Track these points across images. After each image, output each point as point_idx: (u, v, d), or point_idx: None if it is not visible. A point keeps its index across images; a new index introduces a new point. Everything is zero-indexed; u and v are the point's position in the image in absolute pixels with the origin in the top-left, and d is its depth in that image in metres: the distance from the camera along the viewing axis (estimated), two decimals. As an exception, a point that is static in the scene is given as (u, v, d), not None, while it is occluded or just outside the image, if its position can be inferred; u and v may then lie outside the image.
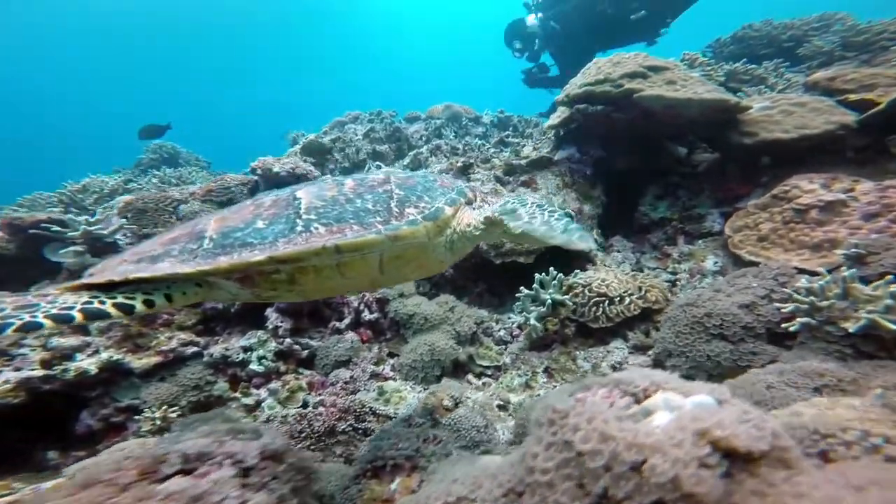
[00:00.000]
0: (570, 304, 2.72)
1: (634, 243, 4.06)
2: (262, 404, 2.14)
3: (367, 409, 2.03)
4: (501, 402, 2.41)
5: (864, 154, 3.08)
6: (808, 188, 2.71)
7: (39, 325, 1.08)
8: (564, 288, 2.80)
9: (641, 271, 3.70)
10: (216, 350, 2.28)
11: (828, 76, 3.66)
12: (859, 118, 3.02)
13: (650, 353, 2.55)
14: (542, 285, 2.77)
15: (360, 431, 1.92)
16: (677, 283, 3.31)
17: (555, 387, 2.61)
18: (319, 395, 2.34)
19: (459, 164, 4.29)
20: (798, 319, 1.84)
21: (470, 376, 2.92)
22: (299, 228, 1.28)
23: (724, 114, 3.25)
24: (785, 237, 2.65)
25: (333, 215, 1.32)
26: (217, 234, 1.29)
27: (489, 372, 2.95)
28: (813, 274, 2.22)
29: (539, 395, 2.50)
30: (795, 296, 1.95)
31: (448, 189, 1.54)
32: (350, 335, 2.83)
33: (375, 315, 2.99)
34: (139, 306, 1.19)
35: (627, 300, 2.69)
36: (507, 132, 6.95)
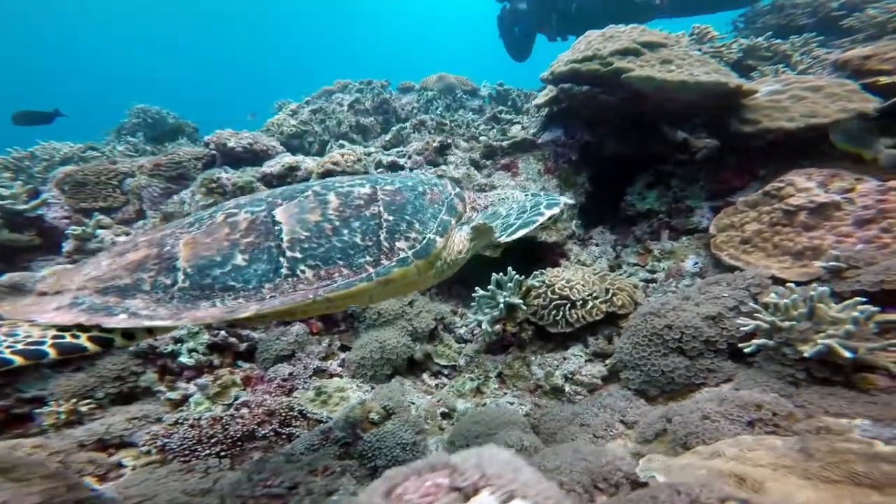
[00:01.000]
0: (524, 308, 2.60)
1: (618, 235, 3.87)
2: (190, 400, 2.11)
3: (297, 413, 1.99)
4: (446, 410, 2.36)
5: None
6: (804, 186, 2.48)
7: (9, 363, 0.99)
8: (524, 289, 2.68)
9: (620, 267, 3.56)
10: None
11: (863, 54, 3.25)
12: (880, 106, 2.73)
13: (608, 361, 2.46)
14: (499, 286, 2.65)
15: (284, 437, 1.87)
16: (654, 282, 3.17)
17: (505, 394, 2.55)
18: (254, 391, 2.31)
19: (436, 145, 4.05)
20: (755, 341, 1.71)
21: (426, 375, 2.86)
22: (284, 271, 1.21)
23: (724, 98, 2.96)
24: (769, 241, 2.47)
25: (320, 254, 1.25)
26: (191, 267, 1.19)
27: (446, 371, 2.90)
28: (786, 284, 2.08)
29: (486, 403, 2.45)
30: (757, 313, 1.81)
31: (438, 204, 1.48)
32: (297, 327, 2.76)
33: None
34: (118, 339, 1.13)
35: (591, 304, 2.56)
36: (503, 107, 6.61)
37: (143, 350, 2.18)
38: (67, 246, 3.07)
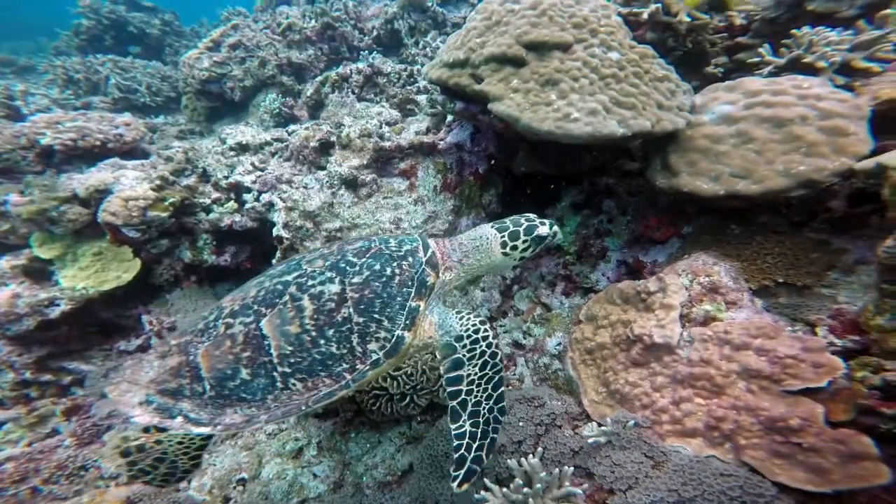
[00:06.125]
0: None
1: (521, 270, 3.63)
2: (1, 427, 2.59)
3: (72, 469, 2.41)
4: (245, 477, 2.73)
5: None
6: (666, 303, 2.14)
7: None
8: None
9: (504, 316, 3.41)
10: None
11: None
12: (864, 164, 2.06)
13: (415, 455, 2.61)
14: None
15: (42, 495, 2.28)
16: (523, 349, 3.07)
17: (321, 462, 2.84)
18: (81, 422, 2.77)
19: (315, 144, 3.68)
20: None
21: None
22: (279, 384, 1.60)
23: (627, 142, 2.39)
24: (602, 362, 2.25)
25: (305, 367, 1.60)
26: (212, 378, 1.61)
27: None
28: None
29: (303, 468, 2.77)
30: (492, 489, 1.80)
31: (408, 286, 1.70)
32: (136, 359, 3.09)
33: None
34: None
35: (407, 400, 2.62)
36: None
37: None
38: None
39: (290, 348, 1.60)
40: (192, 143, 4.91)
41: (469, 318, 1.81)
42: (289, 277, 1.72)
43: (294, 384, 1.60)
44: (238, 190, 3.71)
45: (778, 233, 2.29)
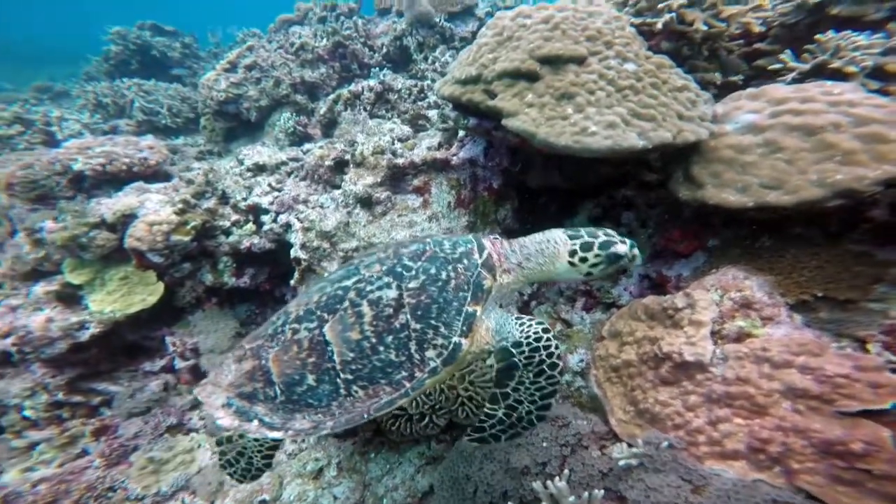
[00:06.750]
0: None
1: (539, 286, 3.57)
2: (36, 448, 2.70)
3: (101, 490, 2.49)
4: (267, 499, 2.74)
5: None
6: (695, 319, 2.06)
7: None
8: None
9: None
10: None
11: None
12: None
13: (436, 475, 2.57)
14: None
15: None
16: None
17: (341, 483, 2.84)
18: (110, 443, 2.85)
19: (330, 163, 3.75)
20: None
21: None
22: (342, 391, 1.63)
23: (646, 154, 2.34)
24: (629, 380, 2.18)
25: (366, 375, 1.62)
26: (282, 384, 1.67)
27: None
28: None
29: (324, 489, 2.77)
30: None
31: (464, 290, 1.66)
32: (160, 379, 3.19)
33: (191, 362, 3.27)
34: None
35: (426, 421, 2.60)
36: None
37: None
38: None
39: (351, 355, 1.63)
40: (211, 164, 5.06)
41: (531, 325, 1.72)
42: (348, 283, 1.73)
43: (356, 391, 1.62)
44: (256, 212, 3.79)
45: (814, 245, 2.18)
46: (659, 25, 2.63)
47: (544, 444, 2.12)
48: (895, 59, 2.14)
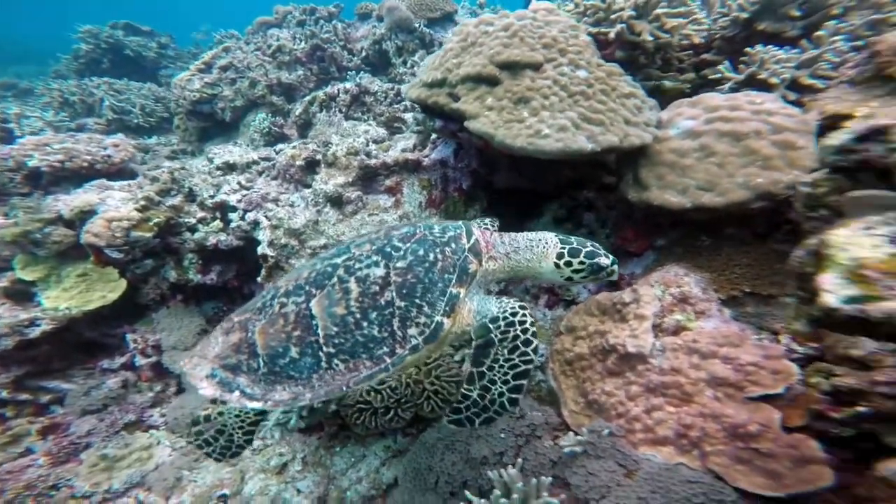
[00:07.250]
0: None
1: (506, 283, 3.70)
2: None
3: (42, 489, 2.42)
4: (227, 493, 2.72)
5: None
6: (639, 313, 2.20)
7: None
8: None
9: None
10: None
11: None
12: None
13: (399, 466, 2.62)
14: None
15: None
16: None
17: (305, 477, 2.85)
18: (58, 441, 2.77)
19: (301, 162, 3.80)
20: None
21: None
22: (324, 364, 1.67)
23: (598, 156, 2.49)
24: (581, 373, 2.30)
25: (348, 349, 1.67)
26: (266, 356, 1.71)
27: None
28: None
29: (287, 483, 2.77)
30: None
31: (450, 272, 1.72)
32: (119, 376, 3.13)
33: (152, 359, 3.23)
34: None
35: (391, 414, 2.65)
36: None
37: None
38: None
39: (335, 329, 1.67)
40: (184, 163, 5.01)
41: (508, 302, 1.80)
42: (338, 260, 1.79)
43: (337, 364, 1.66)
44: (224, 209, 3.79)
45: (745, 244, 2.37)
46: (612, 35, 2.83)
47: (502, 435, 2.20)
48: (806, 72, 2.38)
